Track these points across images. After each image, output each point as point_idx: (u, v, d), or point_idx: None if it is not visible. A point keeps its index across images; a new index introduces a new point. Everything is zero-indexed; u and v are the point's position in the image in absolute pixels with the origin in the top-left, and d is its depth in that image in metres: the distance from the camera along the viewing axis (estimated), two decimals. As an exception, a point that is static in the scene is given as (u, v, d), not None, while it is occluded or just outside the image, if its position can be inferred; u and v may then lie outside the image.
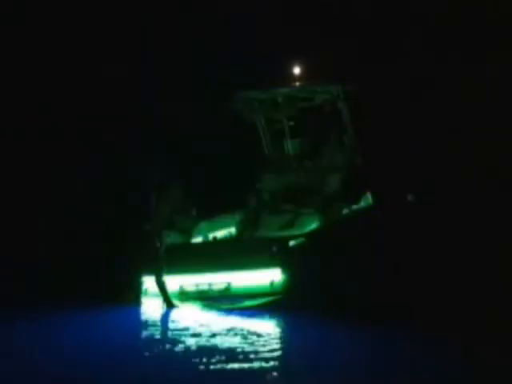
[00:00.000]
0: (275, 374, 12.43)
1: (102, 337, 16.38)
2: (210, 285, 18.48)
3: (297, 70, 20.88)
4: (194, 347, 14.60)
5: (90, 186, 28.03)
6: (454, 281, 18.54)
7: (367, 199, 20.18)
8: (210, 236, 20.39)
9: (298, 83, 21.13)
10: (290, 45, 25.06)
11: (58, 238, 25.87)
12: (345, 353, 13.60)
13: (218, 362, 13.20)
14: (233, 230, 20.74)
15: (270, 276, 17.86)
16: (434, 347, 13.26)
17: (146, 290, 19.24)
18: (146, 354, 14.58)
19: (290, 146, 21.71)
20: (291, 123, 21.65)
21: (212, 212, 21.21)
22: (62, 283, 21.13)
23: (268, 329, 17.01)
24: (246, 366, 12.62)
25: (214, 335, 15.71)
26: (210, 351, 14.00)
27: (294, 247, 18.19)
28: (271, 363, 12.78)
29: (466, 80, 30.19)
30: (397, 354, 13.27)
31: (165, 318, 18.53)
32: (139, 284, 19.33)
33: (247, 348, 14.02)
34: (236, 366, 12.68)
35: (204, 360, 13.31)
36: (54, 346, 15.43)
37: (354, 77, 21.75)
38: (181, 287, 18.69)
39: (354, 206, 19.98)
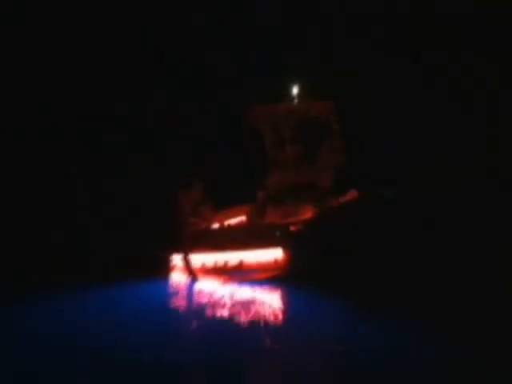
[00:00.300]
0: (277, 330, 15.85)
1: (144, 300, 19.54)
2: (225, 262, 21.51)
3: (295, 90, 23.97)
4: (211, 310, 18.07)
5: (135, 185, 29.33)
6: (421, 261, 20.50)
7: (352, 194, 22.99)
8: (226, 223, 23.55)
9: (296, 100, 24.15)
10: (292, 66, 26.74)
11: (109, 227, 27.48)
12: (332, 314, 16.69)
13: (229, 319, 16.81)
14: (244, 218, 23.83)
15: (274, 254, 20.77)
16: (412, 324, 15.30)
17: (175, 265, 22.47)
18: (176, 312, 18.44)
19: (290, 150, 24.41)
20: (290, 132, 24.44)
21: (227, 204, 24.20)
22: (113, 264, 23.36)
23: (272, 297, 19.54)
24: (251, 334, 15.66)
25: (228, 303, 18.63)
26: (225, 313, 17.54)
27: (293, 232, 21.13)
28: (275, 326, 16.29)
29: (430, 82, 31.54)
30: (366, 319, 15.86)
31: (189, 287, 21.56)
32: (170, 261, 22.56)
33: (254, 314, 17.25)
34: (244, 324, 16.22)
35: (218, 321, 16.98)
36: (117, 308, 18.57)
37: (341, 95, 24.65)
38: (202, 264, 21.78)
39: (341, 199, 22.90)
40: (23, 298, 20.46)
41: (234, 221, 24.18)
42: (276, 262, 21.07)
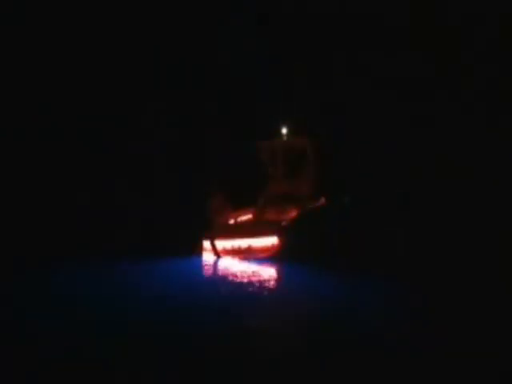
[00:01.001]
0: (274, 294, 19.34)
1: (185, 270, 24.70)
2: (239, 245, 27.21)
3: (284, 130, 29.13)
4: (230, 276, 22.71)
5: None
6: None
7: (322, 200, 27.95)
8: (238, 219, 29.30)
9: (285, 137, 29.29)
10: (281, 111, 30.08)
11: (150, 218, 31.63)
12: (310, 277, 21.46)
13: (241, 284, 20.79)
14: (250, 216, 29.12)
15: (272, 241, 26.53)
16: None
17: (205, 247, 28.35)
18: (207, 278, 23.84)
19: (280, 169, 29.31)
20: (281, 158, 29.26)
21: (239, 206, 29.29)
22: (155, 245, 28.18)
23: (270, 269, 24.84)
24: (256, 287, 19.76)
25: (241, 271, 23.88)
26: (240, 278, 22.06)
27: (284, 226, 26.69)
28: (272, 289, 19.95)
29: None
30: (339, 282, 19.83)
31: (215, 262, 26.99)
32: (202, 244, 28.38)
33: (258, 277, 21.90)
34: (250, 288, 19.90)
35: (235, 282, 21.22)
36: (165, 276, 23.24)
37: (315, 134, 28.89)
38: (223, 247, 27.68)
39: (316, 204, 27.73)
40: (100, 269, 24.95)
41: (244, 218, 29.29)
42: (273, 245, 26.54)
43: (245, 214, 29.71)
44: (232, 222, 29.14)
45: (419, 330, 13.42)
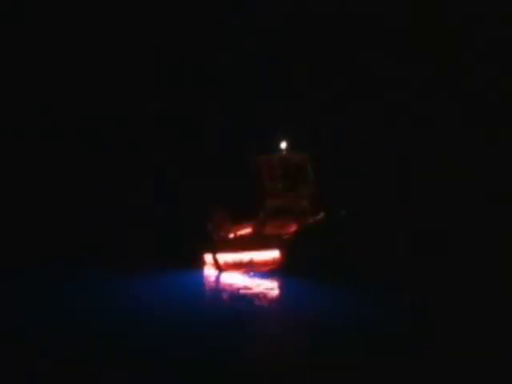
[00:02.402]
0: (275, 299, 21.43)
1: (184, 285, 24.68)
2: (240, 259, 27.11)
3: (283, 145, 29.40)
4: (233, 290, 23.25)
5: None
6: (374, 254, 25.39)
7: (321, 214, 28.83)
8: (238, 233, 29.30)
9: (284, 152, 29.56)
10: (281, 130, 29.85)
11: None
12: (310, 289, 22.07)
13: (245, 295, 21.81)
14: (249, 229, 29.46)
15: (273, 255, 26.58)
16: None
17: (207, 262, 28.28)
18: (209, 292, 24.23)
19: (279, 184, 29.84)
20: (280, 172, 29.79)
21: (238, 220, 29.46)
22: (165, 258, 28.09)
23: (272, 281, 24.96)
24: (261, 300, 20.93)
25: (243, 284, 24.49)
26: (242, 291, 22.97)
27: (285, 239, 26.97)
28: (274, 302, 21.20)
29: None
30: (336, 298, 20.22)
31: (217, 276, 27.01)
32: (203, 258, 28.22)
33: (260, 290, 22.92)
34: (254, 298, 21.26)
35: (237, 296, 21.95)
36: (167, 290, 23.61)
37: (313, 149, 29.44)
38: (225, 261, 27.60)
39: (315, 218, 28.55)
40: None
41: (243, 231, 29.45)
42: (274, 259, 26.62)
43: (244, 227, 29.91)
44: (232, 235, 29.26)
45: (420, 332, 14.38)
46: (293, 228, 28.15)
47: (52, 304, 22.18)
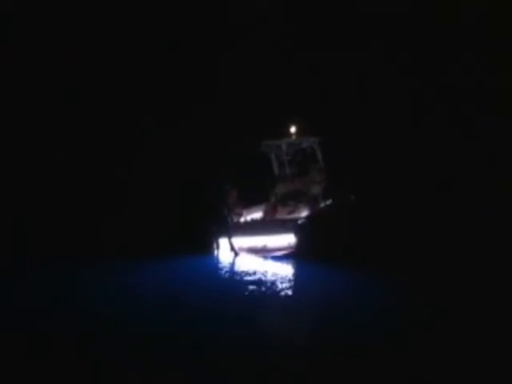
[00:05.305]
0: (288, 282, 21.66)
1: (205, 266, 25.85)
2: (255, 243, 27.46)
3: (293, 129, 29.85)
4: (247, 274, 23.54)
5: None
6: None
7: (331, 199, 29.15)
8: (249, 218, 29.45)
9: (293, 137, 29.98)
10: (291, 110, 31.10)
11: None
12: (323, 273, 22.87)
13: (257, 281, 21.96)
14: (260, 214, 29.78)
15: (288, 239, 26.78)
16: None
17: (222, 246, 28.52)
18: (225, 273, 24.63)
19: (288, 169, 30.49)
20: (289, 157, 30.45)
21: (250, 204, 29.80)
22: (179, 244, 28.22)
23: (287, 267, 25.25)
24: (270, 285, 21.03)
25: (258, 268, 24.63)
26: (256, 276, 23.13)
27: (300, 223, 27.20)
28: (287, 287, 21.00)
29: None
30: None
31: (232, 260, 27.44)
32: (218, 243, 28.54)
33: (273, 276, 22.95)
34: (263, 287, 21.10)
35: (252, 278, 22.41)
36: (188, 272, 24.60)
37: (323, 132, 29.85)
38: (239, 245, 27.92)
39: (327, 203, 28.95)
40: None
41: (254, 216, 29.60)
42: (289, 244, 26.82)
43: (256, 212, 30.13)
44: (244, 219, 29.42)
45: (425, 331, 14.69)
46: (304, 213, 28.43)
47: (65, 291, 22.40)
